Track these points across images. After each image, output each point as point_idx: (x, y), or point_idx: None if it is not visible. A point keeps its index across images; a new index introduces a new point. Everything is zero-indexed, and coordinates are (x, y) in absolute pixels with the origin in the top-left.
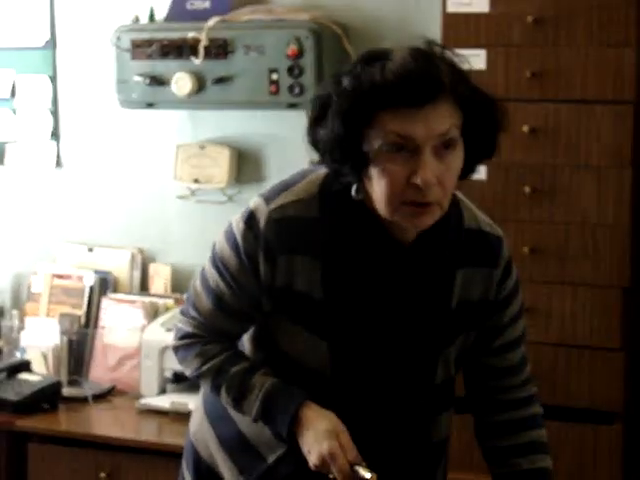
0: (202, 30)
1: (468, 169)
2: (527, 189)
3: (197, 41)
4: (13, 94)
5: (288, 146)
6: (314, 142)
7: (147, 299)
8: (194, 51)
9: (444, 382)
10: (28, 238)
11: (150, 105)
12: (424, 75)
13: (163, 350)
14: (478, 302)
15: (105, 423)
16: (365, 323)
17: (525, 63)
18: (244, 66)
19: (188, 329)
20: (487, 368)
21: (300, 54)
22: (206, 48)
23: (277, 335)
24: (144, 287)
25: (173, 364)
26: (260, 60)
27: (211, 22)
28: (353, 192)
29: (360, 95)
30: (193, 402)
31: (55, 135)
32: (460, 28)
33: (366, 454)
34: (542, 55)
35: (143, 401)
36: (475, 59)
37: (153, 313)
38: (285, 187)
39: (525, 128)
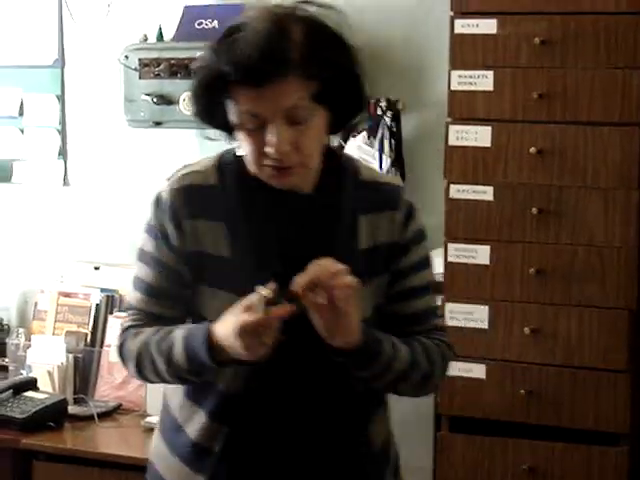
0: None
1: (340, 124)
2: (534, 210)
3: None
4: (21, 113)
5: None
6: (194, 113)
7: None
8: None
9: None
10: (35, 256)
11: (158, 124)
12: (270, 54)
13: None
14: (387, 245)
15: (111, 441)
16: (276, 273)
17: (532, 84)
18: None
19: (126, 325)
20: (392, 315)
21: None
22: None
23: (204, 309)
24: None
25: None
26: None
27: None
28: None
29: (213, 71)
30: None
31: (62, 154)
32: (468, 49)
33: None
34: (549, 77)
35: (149, 419)
36: (483, 80)
37: None
38: (184, 167)
39: (532, 149)
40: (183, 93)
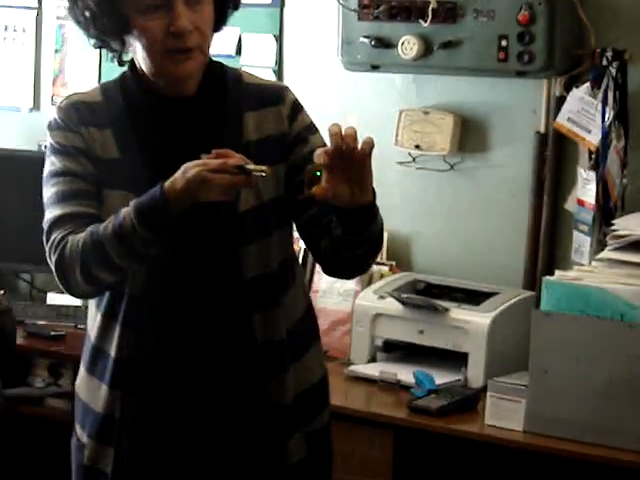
0: None
1: (220, 21)
2: None
3: (426, 4)
4: (238, 52)
5: (514, 115)
6: (77, 20)
7: None
8: (422, 14)
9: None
10: None
11: (375, 67)
12: None
13: (375, 317)
14: (275, 137)
15: None
16: (165, 172)
17: None
18: (473, 31)
19: (60, 235)
20: (303, 203)
21: (532, 20)
22: (434, 11)
23: (101, 212)
24: None
25: (385, 332)
26: (490, 25)
27: None
28: (118, 58)
29: None
30: (403, 372)
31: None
32: None
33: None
34: None
35: (352, 368)
36: None
37: (367, 279)
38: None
39: None
40: (402, 36)
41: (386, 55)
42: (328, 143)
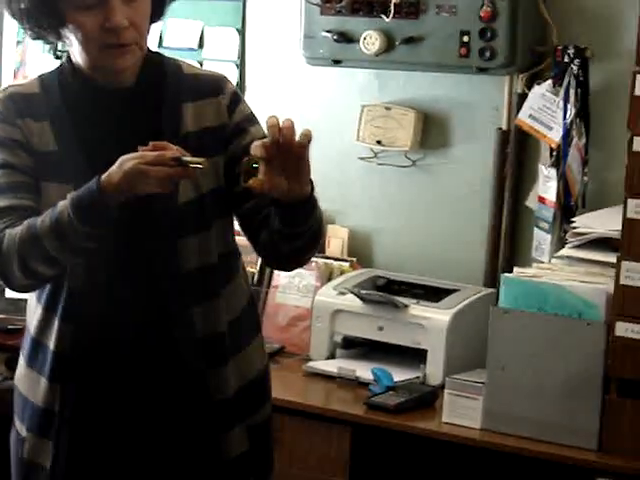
0: None
1: (158, 13)
2: None
3: None
4: (201, 45)
5: (476, 112)
6: (13, 13)
7: (322, 261)
8: (384, 9)
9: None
10: None
11: (337, 62)
12: None
13: (335, 313)
14: (214, 128)
15: (272, 383)
16: (103, 164)
17: None
18: (435, 27)
19: None
20: (241, 195)
21: (494, 17)
22: (397, 6)
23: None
24: (320, 249)
25: (344, 328)
26: (452, 21)
27: None
28: (53, 51)
29: None
30: (361, 369)
31: (240, 88)
32: None
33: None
34: None
35: (311, 364)
36: None
37: (327, 275)
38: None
39: None
40: (365, 31)
41: (348, 50)
42: (266, 131)
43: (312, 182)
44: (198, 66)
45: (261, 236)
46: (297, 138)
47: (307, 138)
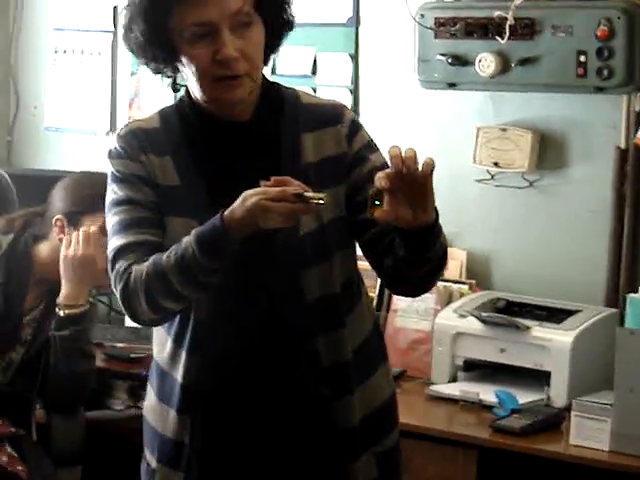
0: (508, 9)
1: (273, 45)
2: None
3: (503, 20)
4: (314, 71)
5: (593, 131)
6: (131, 48)
7: (441, 284)
8: (499, 30)
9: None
10: None
11: (452, 85)
12: None
13: (456, 336)
14: (334, 158)
15: None
16: (225, 198)
17: None
18: (551, 47)
19: (124, 266)
20: (365, 223)
21: (611, 35)
22: (512, 27)
23: (164, 239)
24: None
25: (465, 351)
26: (568, 41)
27: (518, 1)
28: (172, 84)
29: None
30: (484, 392)
31: (354, 113)
32: None
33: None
34: None
35: (433, 387)
36: None
37: (447, 298)
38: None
39: None
40: (479, 54)
41: (463, 73)
42: (389, 162)
43: (436, 209)
44: (314, 94)
45: (385, 263)
46: (420, 167)
47: (430, 167)
